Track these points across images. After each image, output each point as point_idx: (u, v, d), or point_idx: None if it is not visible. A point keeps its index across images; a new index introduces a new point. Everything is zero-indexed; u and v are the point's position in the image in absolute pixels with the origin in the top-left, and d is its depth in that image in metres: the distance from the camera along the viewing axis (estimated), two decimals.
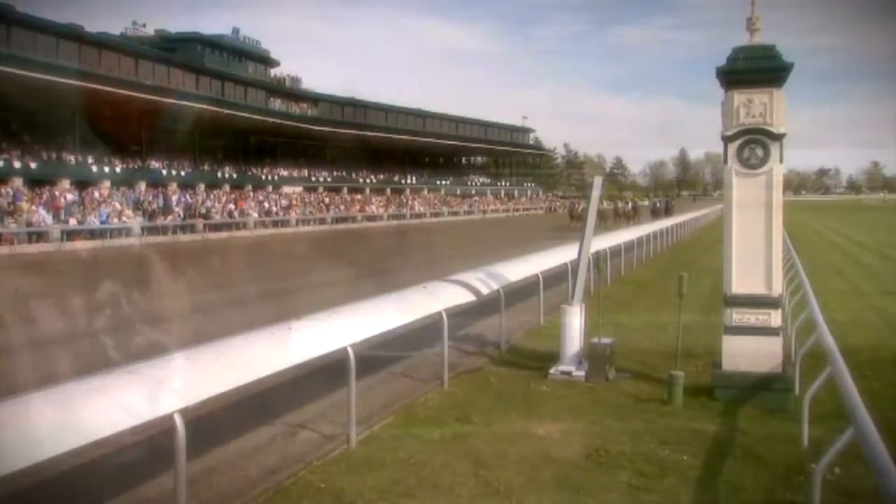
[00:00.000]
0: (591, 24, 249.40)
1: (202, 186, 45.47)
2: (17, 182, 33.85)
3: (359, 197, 59.69)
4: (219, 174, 48.67)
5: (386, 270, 17.54)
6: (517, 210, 77.16)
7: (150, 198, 39.25)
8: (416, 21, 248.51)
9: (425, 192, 70.59)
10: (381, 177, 67.54)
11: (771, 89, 6.77)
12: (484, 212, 70.04)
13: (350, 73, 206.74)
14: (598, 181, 8.66)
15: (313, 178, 58.19)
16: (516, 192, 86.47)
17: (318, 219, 48.99)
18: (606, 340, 7.76)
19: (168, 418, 3.98)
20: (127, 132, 44.23)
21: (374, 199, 60.62)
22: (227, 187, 47.95)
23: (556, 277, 11.81)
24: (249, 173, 51.87)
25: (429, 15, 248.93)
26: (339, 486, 4.84)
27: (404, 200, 63.82)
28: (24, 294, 15.36)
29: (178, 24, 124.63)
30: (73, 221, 32.21)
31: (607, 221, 35.46)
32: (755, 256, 6.90)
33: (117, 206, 35.94)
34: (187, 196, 42.13)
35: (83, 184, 37.11)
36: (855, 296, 14.27)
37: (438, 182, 75.96)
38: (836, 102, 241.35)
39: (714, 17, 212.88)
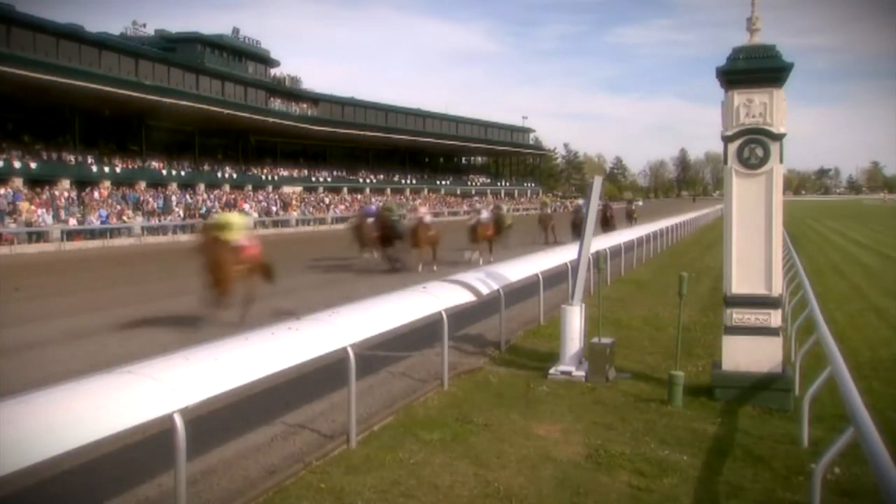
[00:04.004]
0: (591, 24, 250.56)
1: (202, 186, 45.53)
2: (17, 182, 33.89)
3: (359, 197, 59.70)
4: (219, 174, 48.73)
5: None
6: (517, 210, 77.22)
7: (150, 198, 39.28)
8: (416, 21, 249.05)
9: (425, 192, 70.60)
10: (381, 177, 67.59)
11: (771, 89, 6.76)
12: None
13: (350, 73, 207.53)
14: (598, 181, 8.66)
15: (313, 178, 58.24)
16: (516, 192, 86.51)
17: (318, 219, 49.00)
18: (606, 340, 7.76)
19: (168, 418, 3.98)
20: (127, 132, 44.35)
21: (374, 200, 60.60)
22: (227, 187, 47.99)
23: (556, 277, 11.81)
24: (249, 173, 51.92)
25: (429, 15, 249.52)
26: (338, 486, 4.84)
27: (404, 200, 63.76)
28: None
29: (178, 24, 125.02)
30: (72, 221, 32.24)
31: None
32: (755, 256, 6.90)
33: (117, 206, 35.98)
34: (187, 196, 42.16)
35: (83, 184, 37.19)
36: (855, 296, 14.27)
37: (438, 182, 76.00)
38: (836, 102, 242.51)
39: (714, 17, 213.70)
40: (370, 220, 19.58)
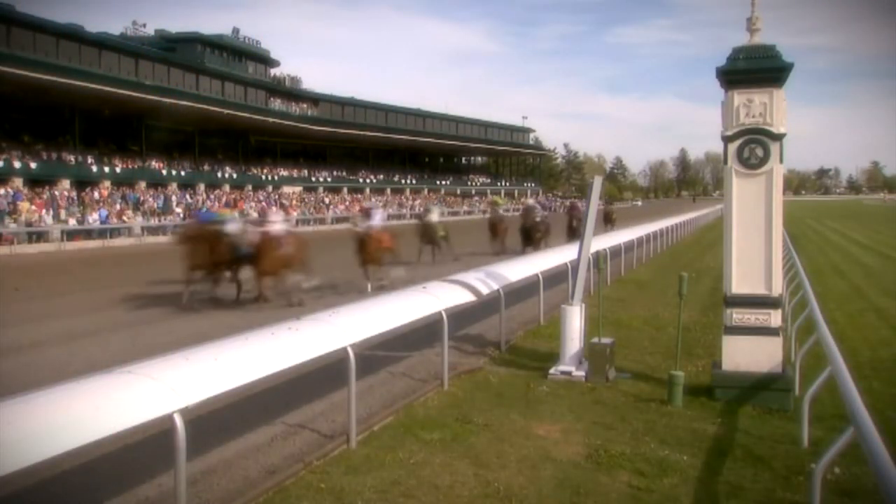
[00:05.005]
0: (591, 24, 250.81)
1: (202, 186, 45.55)
2: (17, 182, 33.90)
3: (359, 197, 59.70)
4: (219, 174, 48.75)
5: None
6: (518, 209, 77.10)
7: (150, 198, 39.28)
8: (416, 21, 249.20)
9: (425, 192, 70.60)
10: (381, 177, 67.59)
11: (771, 89, 6.77)
12: (484, 211, 69.98)
13: (350, 73, 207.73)
14: (597, 181, 8.66)
15: (313, 178, 58.25)
16: (516, 192, 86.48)
17: (318, 219, 48.98)
18: (606, 340, 7.76)
19: (168, 418, 3.98)
20: (127, 132, 44.36)
21: (374, 199, 60.60)
22: (227, 187, 48.00)
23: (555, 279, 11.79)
24: (249, 173, 51.93)
25: (429, 15, 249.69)
26: (338, 486, 4.84)
27: (404, 200, 63.80)
28: None
29: (178, 24, 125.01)
30: (72, 221, 32.23)
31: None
32: (755, 256, 6.90)
33: (117, 206, 35.98)
34: (187, 196, 42.17)
35: (83, 184, 37.19)
36: (855, 296, 14.27)
37: (438, 182, 76.00)
38: (836, 102, 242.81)
39: (714, 17, 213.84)
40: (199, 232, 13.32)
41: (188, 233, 13.56)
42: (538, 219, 23.27)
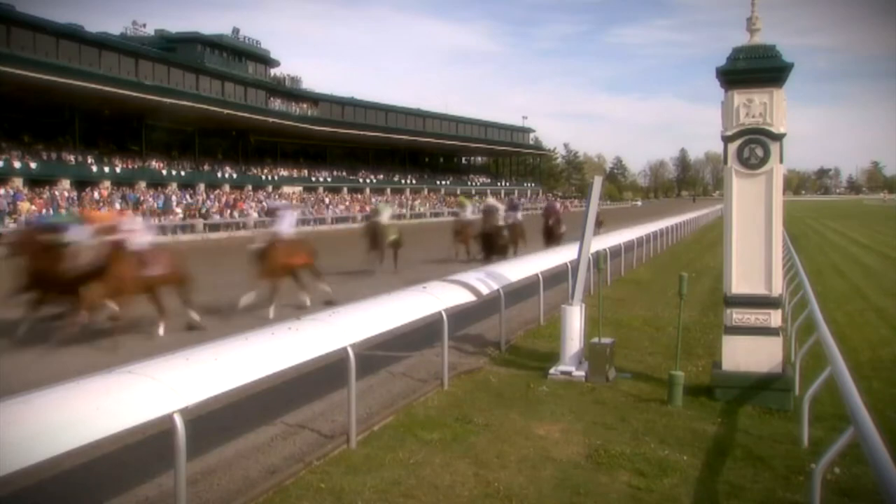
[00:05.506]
0: (591, 24, 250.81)
1: (202, 186, 45.55)
2: (17, 182, 33.90)
3: (359, 197, 59.71)
4: (219, 174, 48.74)
5: None
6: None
7: (150, 198, 39.29)
8: (415, 21, 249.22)
9: (425, 192, 70.60)
10: (381, 177, 67.59)
11: (771, 89, 6.77)
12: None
13: (350, 73, 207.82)
14: (598, 181, 8.66)
15: (313, 178, 58.25)
16: (516, 192, 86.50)
17: (318, 219, 48.98)
18: (606, 340, 7.76)
19: (168, 418, 3.98)
20: (127, 132, 44.37)
21: (374, 199, 60.63)
22: (227, 187, 48.00)
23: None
24: (249, 173, 51.93)
25: (429, 15, 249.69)
26: (338, 486, 4.84)
27: (404, 200, 63.81)
28: None
29: (178, 24, 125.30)
30: None
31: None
32: (755, 256, 6.90)
33: (117, 206, 35.97)
34: (187, 196, 42.18)
35: (83, 184, 37.19)
36: (855, 296, 14.27)
37: (438, 182, 76.00)
38: (836, 102, 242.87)
39: (714, 17, 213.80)
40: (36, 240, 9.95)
41: (18, 242, 10.35)
42: (501, 222, 20.24)
